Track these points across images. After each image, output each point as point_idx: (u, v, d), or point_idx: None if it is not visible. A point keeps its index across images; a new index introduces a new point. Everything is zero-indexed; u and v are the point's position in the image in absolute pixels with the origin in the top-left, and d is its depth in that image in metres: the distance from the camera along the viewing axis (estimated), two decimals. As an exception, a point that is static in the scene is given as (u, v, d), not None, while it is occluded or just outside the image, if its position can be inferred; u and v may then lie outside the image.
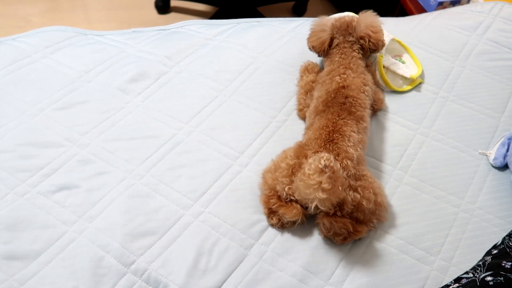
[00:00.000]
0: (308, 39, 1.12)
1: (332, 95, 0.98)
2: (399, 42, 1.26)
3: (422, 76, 1.23)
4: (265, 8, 2.31)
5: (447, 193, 1.00)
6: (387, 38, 1.20)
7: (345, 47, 1.06)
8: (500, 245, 0.82)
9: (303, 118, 1.08)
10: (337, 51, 1.07)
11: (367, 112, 1.00)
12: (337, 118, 0.93)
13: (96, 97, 1.08)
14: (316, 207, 0.82)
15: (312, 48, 1.11)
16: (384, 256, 0.89)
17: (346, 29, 1.07)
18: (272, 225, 0.90)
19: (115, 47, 1.21)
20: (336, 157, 0.86)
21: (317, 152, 0.87)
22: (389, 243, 0.91)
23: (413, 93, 1.19)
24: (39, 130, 1.00)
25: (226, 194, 0.94)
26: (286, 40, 1.29)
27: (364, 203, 0.86)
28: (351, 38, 1.06)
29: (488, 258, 0.79)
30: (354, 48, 1.06)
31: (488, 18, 1.41)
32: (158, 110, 1.07)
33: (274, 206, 0.88)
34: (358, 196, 0.85)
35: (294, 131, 1.07)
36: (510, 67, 1.28)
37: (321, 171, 0.75)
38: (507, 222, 0.97)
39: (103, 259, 0.83)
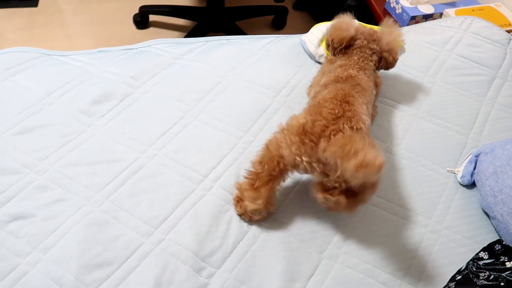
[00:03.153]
0: (330, 33, 1.09)
1: (344, 78, 0.98)
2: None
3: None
4: (245, 23, 2.30)
5: (414, 213, 0.99)
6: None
7: (366, 52, 1.04)
8: (464, 270, 0.80)
9: (309, 94, 1.13)
10: (357, 52, 1.04)
11: (370, 106, 0.99)
12: (351, 88, 0.93)
13: (57, 120, 1.05)
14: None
15: (331, 42, 1.08)
16: (350, 281, 0.87)
17: (372, 35, 1.05)
18: (238, 215, 0.93)
19: (80, 68, 1.18)
20: (352, 118, 0.85)
21: (333, 109, 0.85)
22: (355, 268, 0.89)
23: (382, 110, 1.18)
24: (-4, 157, 0.96)
25: (188, 219, 0.92)
26: (255, 58, 1.28)
27: None
28: (374, 46, 1.05)
29: (452, 285, 0.77)
30: (373, 58, 1.05)
31: (458, 33, 1.42)
32: (122, 133, 1.05)
33: (242, 187, 0.89)
34: None
35: (261, 152, 1.05)
36: (479, 83, 1.28)
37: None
38: (474, 242, 0.96)
39: (56, 293, 0.79)
